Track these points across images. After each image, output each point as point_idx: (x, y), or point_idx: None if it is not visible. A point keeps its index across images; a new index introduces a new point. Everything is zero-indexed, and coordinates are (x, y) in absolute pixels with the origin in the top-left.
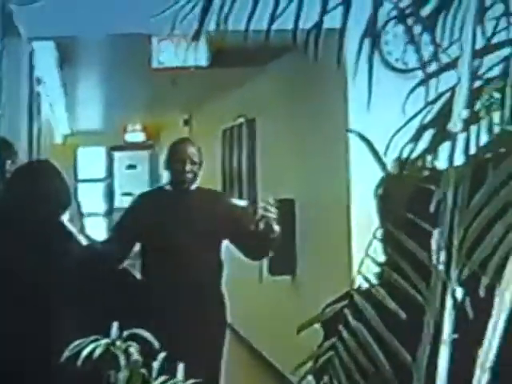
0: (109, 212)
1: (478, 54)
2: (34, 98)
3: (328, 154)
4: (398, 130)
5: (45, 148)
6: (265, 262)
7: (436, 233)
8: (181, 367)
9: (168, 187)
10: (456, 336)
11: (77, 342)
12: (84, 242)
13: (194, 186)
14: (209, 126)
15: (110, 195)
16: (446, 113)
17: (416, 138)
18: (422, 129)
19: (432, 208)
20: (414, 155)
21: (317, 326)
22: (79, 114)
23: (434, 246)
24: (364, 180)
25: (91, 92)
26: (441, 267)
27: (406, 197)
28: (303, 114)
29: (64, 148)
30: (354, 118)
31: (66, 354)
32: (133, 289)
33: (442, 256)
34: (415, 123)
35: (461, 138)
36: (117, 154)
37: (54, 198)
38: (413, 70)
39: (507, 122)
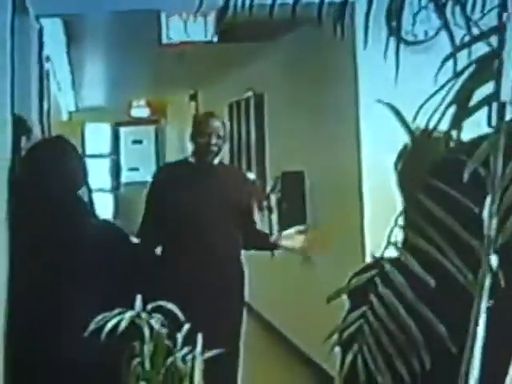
0: (115, 187)
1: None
2: (43, 75)
3: (338, 126)
4: (427, 100)
5: (54, 125)
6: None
7: (488, 200)
8: (200, 338)
9: (191, 159)
10: (492, 303)
11: (102, 316)
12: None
13: (216, 160)
14: (216, 101)
15: (116, 170)
16: (469, 87)
17: (443, 112)
18: (449, 104)
19: (466, 177)
20: (439, 128)
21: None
22: (85, 91)
23: (485, 214)
24: (374, 150)
25: (97, 69)
26: (493, 234)
27: (432, 164)
28: (312, 87)
29: (70, 124)
30: (363, 90)
31: (92, 327)
32: (153, 263)
33: (494, 223)
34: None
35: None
36: (122, 130)
37: (71, 174)
38: (422, 41)
39: None
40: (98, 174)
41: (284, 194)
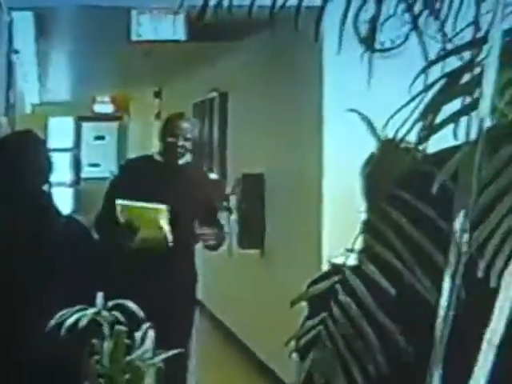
0: (75, 182)
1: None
2: (12, 68)
3: (300, 130)
4: (396, 112)
5: (20, 118)
6: (234, 236)
7: (460, 214)
8: (151, 335)
9: (158, 157)
10: (453, 313)
11: (62, 312)
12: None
13: (183, 161)
14: (180, 99)
15: (77, 165)
16: (438, 102)
17: (411, 125)
18: (417, 120)
19: (435, 189)
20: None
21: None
22: (50, 85)
23: (457, 227)
24: (336, 155)
25: (63, 63)
26: (465, 248)
27: (399, 175)
28: (276, 89)
29: (33, 117)
30: (328, 94)
31: (52, 323)
32: (113, 260)
33: (465, 238)
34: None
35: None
36: (85, 125)
37: (40, 169)
38: (389, 49)
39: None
40: (59, 168)
41: (244, 195)
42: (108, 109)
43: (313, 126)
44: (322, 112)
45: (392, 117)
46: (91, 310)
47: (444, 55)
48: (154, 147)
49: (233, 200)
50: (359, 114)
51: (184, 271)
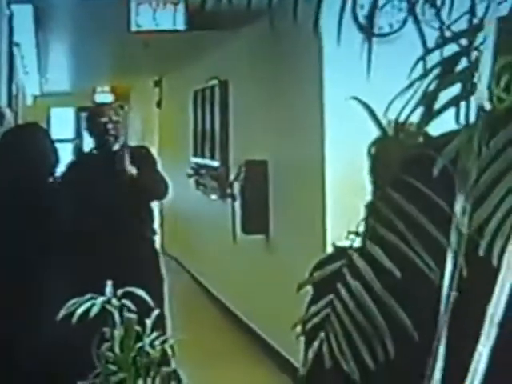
0: None
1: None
2: (13, 60)
3: (302, 115)
4: (395, 98)
5: (22, 110)
6: (238, 222)
7: (461, 197)
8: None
9: (95, 151)
10: (456, 294)
11: (72, 301)
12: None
13: (117, 146)
14: (180, 87)
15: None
16: (436, 88)
17: (411, 110)
18: (416, 105)
19: (435, 173)
20: (410, 121)
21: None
22: (51, 76)
23: (457, 210)
24: (338, 140)
25: (63, 54)
26: (465, 230)
27: (402, 159)
28: (277, 76)
29: (35, 109)
30: (328, 79)
31: (62, 312)
32: None
33: (466, 220)
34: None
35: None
36: (85, 115)
37: (45, 159)
38: (387, 34)
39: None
40: (61, 158)
41: (247, 182)
42: (108, 98)
43: (315, 111)
44: (323, 98)
45: (391, 103)
46: (101, 299)
47: (441, 43)
48: (155, 135)
49: (236, 187)
50: (360, 101)
51: (142, 254)
